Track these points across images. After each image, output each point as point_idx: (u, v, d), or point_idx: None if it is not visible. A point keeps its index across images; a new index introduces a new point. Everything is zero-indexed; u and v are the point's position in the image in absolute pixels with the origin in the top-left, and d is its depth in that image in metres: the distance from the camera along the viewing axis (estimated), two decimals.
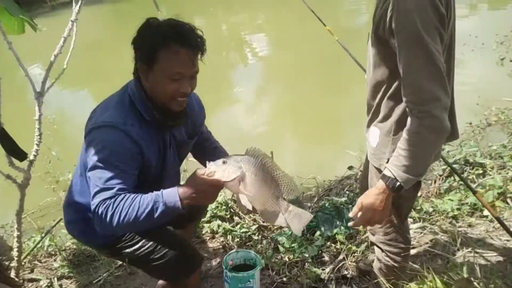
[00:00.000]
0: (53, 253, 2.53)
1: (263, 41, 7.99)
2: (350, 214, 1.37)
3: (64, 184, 3.41)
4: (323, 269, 2.16)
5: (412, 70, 1.16)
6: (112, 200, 1.25)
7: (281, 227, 2.48)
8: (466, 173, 2.83)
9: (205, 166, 1.27)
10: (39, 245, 2.49)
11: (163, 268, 1.55)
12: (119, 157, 1.30)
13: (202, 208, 2.06)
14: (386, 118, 1.37)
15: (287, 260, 2.26)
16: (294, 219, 1.38)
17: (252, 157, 1.29)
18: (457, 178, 2.80)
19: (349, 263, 2.18)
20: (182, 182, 1.48)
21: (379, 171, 1.47)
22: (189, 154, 1.84)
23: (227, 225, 2.52)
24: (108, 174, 1.27)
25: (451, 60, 1.34)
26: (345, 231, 2.37)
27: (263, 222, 2.32)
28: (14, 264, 2.10)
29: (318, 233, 2.42)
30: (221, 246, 2.44)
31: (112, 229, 1.28)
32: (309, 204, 2.77)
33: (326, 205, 2.65)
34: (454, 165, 2.86)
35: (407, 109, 1.22)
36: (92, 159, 1.30)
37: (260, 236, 2.48)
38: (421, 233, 2.39)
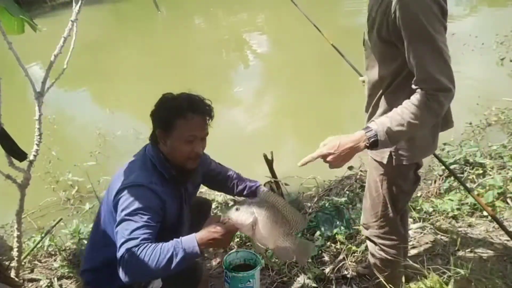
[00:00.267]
0: (53, 253, 2.53)
1: (263, 41, 8.00)
2: (299, 164, 1.34)
3: (64, 184, 3.42)
4: (323, 269, 2.16)
5: (423, 64, 1.22)
6: (137, 248, 1.36)
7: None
8: (466, 173, 2.83)
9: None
10: (39, 245, 2.49)
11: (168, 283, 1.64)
12: (145, 210, 1.43)
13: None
14: (385, 112, 1.40)
15: (287, 260, 2.26)
16: (300, 252, 1.47)
17: (263, 201, 1.40)
18: None
19: (349, 263, 2.18)
20: None
21: (381, 164, 1.50)
22: None
23: None
24: (134, 225, 1.40)
25: None
26: (345, 231, 2.37)
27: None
28: (14, 264, 2.10)
29: (318, 233, 2.42)
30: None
31: (136, 276, 1.38)
32: (309, 204, 2.78)
33: (326, 205, 2.65)
34: (454, 165, 2.86)
35: (416, 88, 1.25)
36: (121, 214, 1.43)
37: None
38: (421, 233, 2.39)
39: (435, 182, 2.82)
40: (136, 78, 6.53)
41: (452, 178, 2.79)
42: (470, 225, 2.41)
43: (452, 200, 2.53)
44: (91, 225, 2.11)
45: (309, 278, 2.10)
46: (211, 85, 5.83)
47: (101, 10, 12.25)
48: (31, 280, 2.30)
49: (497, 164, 2.87)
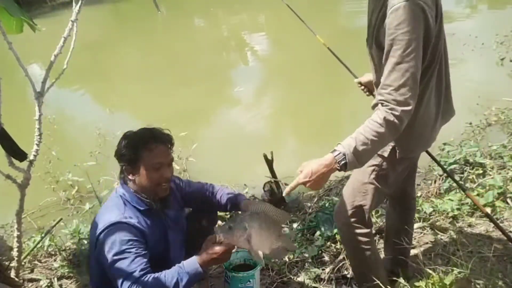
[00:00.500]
0: (53, 253, 2.53)
1: (263, 41, 7.99)
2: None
3: (64, 184, 3.42)
4: (323, 269, 2.16)
5: (392, 74, 1.28)
6: (139, 282, 1.42)
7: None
8: (466, 173, 2.83)
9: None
10: (39, 245, 2.49)
11: None
12: (130, 244, 1.49)
13: None
14: None
15: (287, 260, 2.26)
16: (289, 242, 1.55)
17: (253, 213, 1.46)
18: (457, 178, 2.80)
19: (349, 263, 2.18)
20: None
21: (379, 155, 1.55)
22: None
23: None
24: (126, 262, 1.45)
25: (440, 56, 1.46)
26: None
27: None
28: (14, 264, 2.10)
29: (318, 233, 2.42)
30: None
31: None
32: (309, 204, 2.78)
33: (326, 205, 2.65)
34: (454, 165, 2.86)
35: (379, 99, 1.32)
36: (108, 257, 1.48)
37: None
38: (421, 233, 2.39)
39: (435, 182, 2.82)
40: (136, 78, 6.53)
41: None
42: (470, 225, 2.41)
43: (452, 200, 2.53)
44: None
45: (309, 278, 2.10)
46: (211, 85, 5.83)
47: (101, 10, 12.24)
48: (31, 280, 2.30)
49: (497, 164, 2.86)
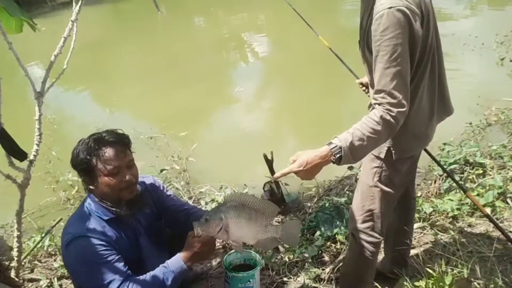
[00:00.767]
0: (53, 253, 2.53)
1: (263, 41, 7.99)
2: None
3: (64, 184, 3.42)
4: (323, 269, 2.16)
5: (383, 78, 1.31)
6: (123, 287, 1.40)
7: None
8: (466, 173, 2.83)
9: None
10: (39, 245, 2.49)
11: None
12: (99, 255, 1.43)
13: None
14: None
15: (287, 260, 2.26)
16: (287, 236, 1.48)
17: (231, 203, 1.42)
18: (457, 178, 2.80)
19: (343, 263, 2.17)
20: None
21: (378, 157, 1.56)
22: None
23: None
24: (102, 272, 1.41)
25: (432, 55, 1.46)
26: (345, 231, 2.37)
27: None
28: (14, 264, 2.10)
29: (318, 233, 2.42)
30: (221, 246, 2.44)
31: None
32: (309, 204, 2.78)
33: (326, 205, 2.65)
34: (454, 165, 2.86)
35: (373, 103, 1.35)
36: (81, 277, 1.46)
37: None
38: (421, 233, 2.39)
39: (435, 182, 2.82)
40: (136, 78, 6.52)
41: None
42: (470, 225, 2.41)
43: (452, 200, 2.53)
44: None
45: (309, 278, 2.10)
46: (211, 85, 5.83)
47: (101, 10, 12.24)
48: (31, 280, 2.30)
49: (497, 164, 2.87)
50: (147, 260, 1.63)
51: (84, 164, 1.50)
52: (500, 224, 2.34)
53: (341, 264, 2.17)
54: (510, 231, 2.30)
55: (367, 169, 1.61)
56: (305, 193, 2.96)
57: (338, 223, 2.44)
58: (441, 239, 2.29)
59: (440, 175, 2.84)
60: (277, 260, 2.26)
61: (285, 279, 2.14)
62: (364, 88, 1.94)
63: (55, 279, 2.29)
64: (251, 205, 1.43)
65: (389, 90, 1.29)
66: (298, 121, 4.63)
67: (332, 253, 2.30)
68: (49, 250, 2.54)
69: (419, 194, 2.74)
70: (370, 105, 1.58)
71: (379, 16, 1.27)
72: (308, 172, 1.33)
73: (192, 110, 5.03)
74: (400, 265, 1.94)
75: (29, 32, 1.86)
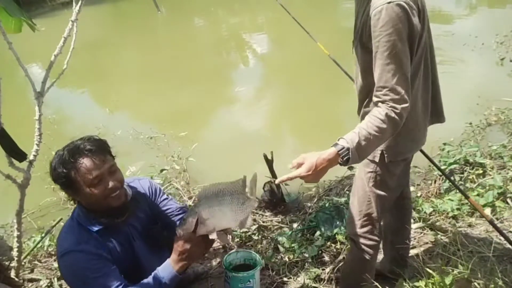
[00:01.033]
0: (53, 253, 2.53)
1: (263, 41, 7.99)
2: (290, 166, 1.38)
3: None
4: (323, 269, 2.16)
5: (385, 74, 1.29)
6: None
7: (281, 227, 2.49)
8: (466, 173, 2.83)
9: None
10: (39, 245, 2.49)
11: None
12: (91, 269, 1.42)
13: None
14: None
15: (287, 260, 2.26)
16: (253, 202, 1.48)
17: (202, 196, 1.43)
18: (457, 178, 2.80)
19: (343, 265, 2.17)
20: None
21: (372, 161, 1.56)
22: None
23: None
24: (96, 285, 1.40)
25: (428, 56, 1.47)
26: (345, 231, 2.37)
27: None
28: (14, 264, 2.10)
29: (318, 233, 2.42)
30: (221, 246, 2.44)
31: None
32: (309, 204, 2.78)
33: (326, 205, 2.65)
34: (454, 165, 2.86)
35: (376, 101, 1.33)
36: (77, 285, 1.44)
37: (260, 236, 2.48)
38: (421, 233, 2.39)
39: (435, 182, 2.82)
40: (136, 78, 6.52)
41: (452, 178, 2.79)
42: (470, 225, 2.41)
43: (452, 200, 2.53)
44: None
45: (309, 278, 2.10)
46: (212, 85, 5.83)
47: (101, 10, 12.23)
48: (31, 280, 2.30)
49: (497, 164, 2.87)
50: (146, 264, 1.61)
51: (63, 178, 1.42)
52: (500, 224, 2.35)
53: (341, 264, 2.17)
54: (510, 231, 2.30)
55: (362, 174, 1.61)
56: (305, 193, 2.96)
57: (338, 223, 2.44)
58: (441, 239, 2.29)
59: (440, 175, 2.84)
60: (277, 260, 2.26)
61: (285, 279, 2.14)
62: None
63: (55, 279, 2.28)
64: (222, 191, 1.43)
65: (392, 86, 1.28)
66: (298, 121, 4.63)
67: (332, 253, 2.30)
68: (49, 250, 2.54)
69: (419, 194, 2.74)
70: (359, 108, 1.59)
71: (377, 11, 1.25)
72: (316, 175, 1.31)
73: (192, 110, 5.03)
74: (400, 265, 1.94)
75: (29, 32, 1.86)
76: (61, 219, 2.60)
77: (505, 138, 3.31)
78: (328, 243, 2.36)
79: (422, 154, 1.78)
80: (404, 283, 1.56)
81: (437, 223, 2.43)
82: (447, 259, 2.05)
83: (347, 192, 2.83)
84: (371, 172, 1.57)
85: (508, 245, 2.14)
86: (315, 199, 2.82)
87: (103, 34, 9.90)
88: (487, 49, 5.35)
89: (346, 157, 1.28)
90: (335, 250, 2.31)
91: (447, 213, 2.48)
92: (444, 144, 3.12)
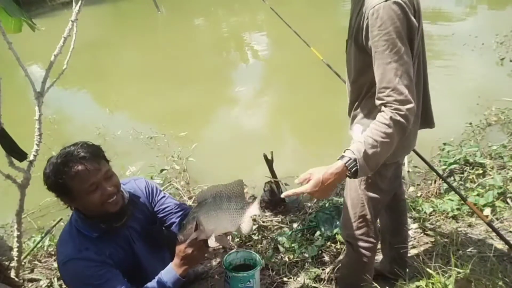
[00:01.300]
0: (53, 253, 2.53)
1: (263, 41, 7.99)
2: (296, 181, 1.33)
3: None
4: (323, 269, 2.16)
5: (387, 74, 1.24)
6: None
7: (281, 227, 2.49)
8: (466, 173, 2.83)
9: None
10: (39, 245, 2.49)
11: None
12: (93, 276, 1.42)
13: None
14: (368, 115, 1.47)
15: (287, 260, 2.26)
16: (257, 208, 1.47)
17: (201, 200, 1.43)
18: (457, 178, 2.80)
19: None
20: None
21: None
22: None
23: None
24: None
25: (421, 59, 1.44)
26: None
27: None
28: (14, 264, 2.10)
29: (318, 233, 2.42)
30: (221, 246, 2.44)
31: None
32: (309, 204, 2.78)
33: (326, 205, 2.65)
34: (454, 165, 2.86)
35: (379, 103, 1.28)
36: None
37: (260, 236, 2.48)
38: (421, 233, 2.39)
39: (435, 182, 2.82)
40: (136, 78, 6.53)
41: (452, 178, 2.79)
42: (470, 225, 2.41)
43: (452, 200, 2.53)
44: None
45: (309, 278, 2.10)
46: (212, 85, 5.83)
47: (101, 10, 12.24)
48: (31, 280, 2.30)
49: (497, 164, 2.87)
50: (147, 265, 1.61)
51: (57, 186, 1.41)
52: (500, 224, 2.35)
53: (341, 264, 2.17)
54: (510, 231, 2.30)
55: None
56: (305, 193, 2.96)
57: (338, 223, 2.44)
58: (441, 239, 2.29)
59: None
60: (277, 260, 2.26)
61: (285, 279, 2.14)
62: None
63: (55, 279, 2.28)
64: (220, 195, 1.43)
65: (395, 86, 1.22)
66: (298, 121, 4.63)
67: (332, 253, 2.30)
68: (49, 250, 2.54)
69: (419, 194, 2.74)
70: (350, 110, 1.58)
71: (375, 10, 1.22)
72: (324, 191, 1.26)
73: (192, 110, 5.03)
74: (400, 265, 1.94)
75: (29, 32, 1.86)
76: (61, 219, 2.60)
77: (505, 138, 3.31)
78: (328, 243, 2.36)
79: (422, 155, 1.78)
80: (404, 283, 1.56)
81: (437, 223, 2.43)
82: (447, 259, 2.05)
83: None
84: None
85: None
86: (315, 199, 2.82)
87: (103, 34, 9.90)
88: (487, 49, 5.35)
89: (354, 169, 1.23)
90: (335, 250, 2.31)
91: (447, 213, 2.48)
92: (444, 144, 3.12)
